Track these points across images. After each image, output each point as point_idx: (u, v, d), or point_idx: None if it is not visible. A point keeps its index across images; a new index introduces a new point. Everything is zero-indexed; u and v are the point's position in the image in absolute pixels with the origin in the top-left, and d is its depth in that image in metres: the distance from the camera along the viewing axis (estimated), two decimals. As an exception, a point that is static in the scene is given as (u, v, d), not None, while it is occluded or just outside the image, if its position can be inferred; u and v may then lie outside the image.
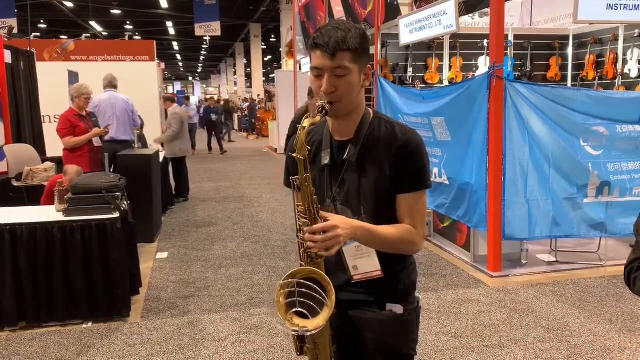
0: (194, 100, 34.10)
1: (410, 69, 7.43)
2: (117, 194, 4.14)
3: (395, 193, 1.61)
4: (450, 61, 7.53)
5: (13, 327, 3.85)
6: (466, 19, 7.92)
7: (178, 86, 53.18)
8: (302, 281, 1.43)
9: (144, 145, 8.14)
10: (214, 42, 32.13)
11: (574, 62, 7.69)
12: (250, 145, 19.75)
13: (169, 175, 8.36)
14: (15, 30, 11.70)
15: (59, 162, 6.12)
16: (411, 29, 6.24)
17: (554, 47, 7.69)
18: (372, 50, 7.05)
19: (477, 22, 8.68)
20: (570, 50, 7.70)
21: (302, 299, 1.43)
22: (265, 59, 37.19)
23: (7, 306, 3.79)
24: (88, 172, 5.12)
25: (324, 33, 1.50)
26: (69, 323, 3.95)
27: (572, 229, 4.93)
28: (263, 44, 31.29)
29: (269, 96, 23.31)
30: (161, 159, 7.52)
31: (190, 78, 64.49)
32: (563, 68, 7.77)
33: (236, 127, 26.63)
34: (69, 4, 21.44)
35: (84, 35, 15.14)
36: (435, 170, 5.59)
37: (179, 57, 44.05)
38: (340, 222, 1.46)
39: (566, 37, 7.70)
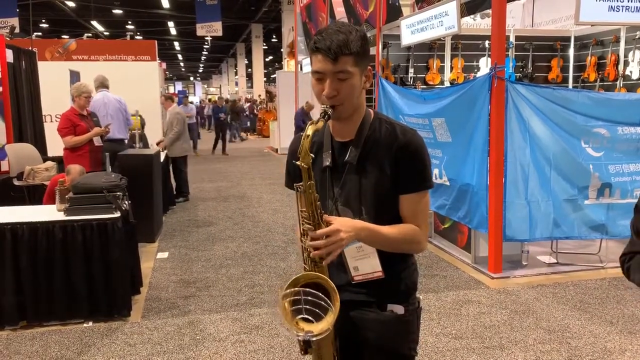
0: (194, 100, 34.12)
1: (411, 70, 7.43)
2: (118, 193, 4.15)
3: (397, 194, 1.61)
4: (451, 62, 7.53)
5: (14, 326, 3.85)
6: (468, 20, 7.93)
7: (179, 86, 53.23)
8: (308, 289, 1.45)
9: (145, 145, 8.15)
10: (215, 42, 32.14)
11: (575, 64, 7.69)
12: (251, 145, 19.76)
13: (169, 175, 8.37)
14: (17, 30, 11.72)
15: (60, 162, 6.13)
16: (413, 29, 6.25)
17: (556, 49, 7.69)
18: (373, 51, 7.06)
19: (479, 23, 8.69)
20: (571, 52, 7.70)
21: (307, 307, 1.45)
22: (267, 60, 37.20)
23: (7, 305, 3.80)
24: (89, 172, 5.13)
25: (325, 37, 1.50)
26: (70, 322, 3.95)
27: (572, 230, 4.93)
28: (264, 44, 31.32)
29: (270, 96, 23.32)
30: (162, 159, 7.53)
31: (192, 78, 64.53)
32: (564, 69, 7.77)
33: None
34: (71, 4, 21.47)
35: (86, 34, 15.16)
36: (435, 171, 5.59)
37: (180, 57, 44.07)
38: (342, 225, 1.47)
39: (567, 39, 7.70)
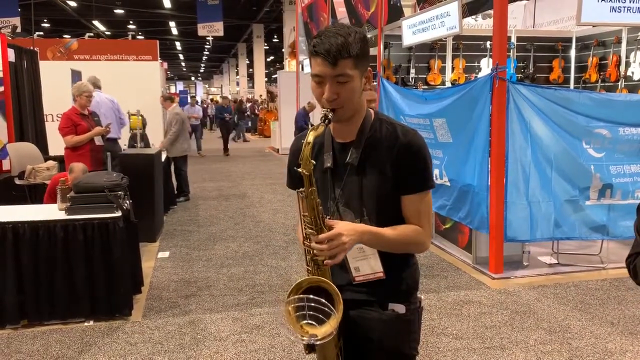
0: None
1: (412, 70, 7.43)
2: (120, 193, 4.15)
3: (398, 194, 1.61)
4: (452, 63, 7.53)
5: (15, 325, 3.86)
6: (469, 20, 7.92)
7: (180, 86, 53.24)
8: (311, 296, 1.46)
9: (147, 144, 8.15)
10: (217, 42, 32.17)
11: (577, 65, 7.69)
12: (252, 145, 19.77)
13: (170, 174, 8.37)
14: (18, 29, 11.72)
15: (61, 161, 6.13)
16: (414, 30, 6.25)
17: (557, 49, 7.69)
18: (374, 51, 7.06)
19: (480, 24, 8.69)
20: (573, 53, 7.70)
21: (311, 312, 1.47)
22: (268, 60, 37.21)
23: (9, 304, 3.80)
24: (90, 171, 5.13)
25: (324, 40, 1.48)
26: (71, 321, 3.95)
27: (573, 231, 4.93)
28: (265, 44, 31.32)
29: (271, 96, 23.32)
30: (163, 159, 7.53)
31: (193, 78, 64.56)
32: (566, 70, 7.77)
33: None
34: (72, 3, 21.49)
35: (87, 34, 15.19)
36: (436, 171, 5.59)
37: (181, 57, 44.10)
38: (345, 229, 1.48)
39: (569, 40, 7.70)
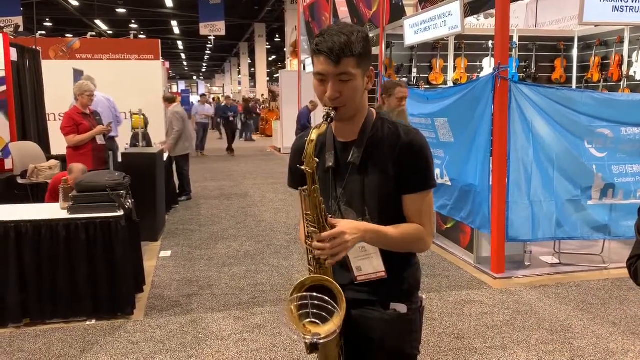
0: (197, 99, 34.08)
1: (414, 70, 7.43)
2: (122, 192, 4.16)
3: (400, 194, 1.61)
4: (454, 62, 7.53)
5: (17, 323, 3.87)
6: (471, 20, 7.92)
7: (182, 85, 53.27)
8: (314, 294, 1.46)
9: (148, 144, 8.16)
10: (219, 42, 32.17)
11: (579, 64, 7.68)
12: (254, 144, 19.78)
13: (172, 173, 8.38)
14: (21, 29, 11.73)
15: (63, 160, 6.14)
16: (416, 29, 6.24)
17: (559, 49, 7.69)
18: (376, 50, 7.06)
19: (482, 24, 8.69)
20: (575, 52, 7.69)
21: (315, 311, 1.46)
22: (270, 59, 37.21)
23: (11, 303, 3.81)
24: (92, 170, 5.14)
25: (326, 38, 1.49)
26: (73, 320, 3.96)
27: (575, 231, 4.92)
28: (267, 43, 31.32)
29: (273, 96, 23.33)
30: (165, 158, 7.54)
31: (195, 77, 64.60)
32: (568, 70, 7.77)
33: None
34: (75, 3, 21.51)
35: (89, 33, 15.21)
36: (437, 171, 5.59)
37: (183, 56, 44.12)
38: (347, 227, 1.48)
39: (571, 39, 7.69)
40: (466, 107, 5.07)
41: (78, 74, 8.93)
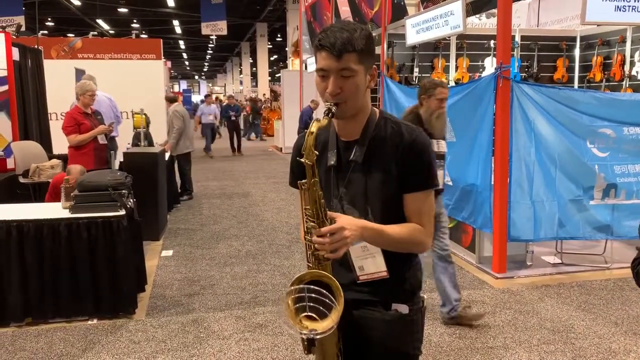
0: (198, 98, 34.09)
1: (416, 70, 7.42)
2: (124, 191, 4.16)
3: (402, 193, 1.61)
4: (456, 62, 7.52)
5: (19, 322, 3.88)
6: (473, 19, 7.92)
7: (184, 85, 53.32)
8: (312, 287, 1.44)
9: (150, 143, 8.16)
10: (220, 41, 32.20)
11: (581, 64, 7.67)
12: (256, 144, 19.78)
13: (174, 173, 8.39)
14: (23, 28, 11.75)
15: (65, 159, 6.14)
16: (418, 29, 6.24)
17: (561, 49, 7.67)
18: (378, 50, 7.05)
19: (484, 23, 8.68)
20: (577, 52, 7.68)
21: (311, 304, 1.44)
22: (271, 59, 37.23)
23: (13, 302, 3.82)
24: (94, 170, 5.14)
25: (329, 34, 1.49)
26: (75, 319, 3.97)
27: (577, 231, 4.92)
28: (269, 43, 31.34)
29: (275, 96, 23.33)
30: (167, 157, 7.55)
31: (197, 77, 64.66)
32: (570, 70, 7.75)
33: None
34: (77, 2, 21.54)
35: (91, 33, 15.21)
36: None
37: (185, 55, 44.15)
38: (347, 223, 1.46)
39: (573, 39, 7.68)
40: (468, 106, 5.06)
41: (80, 74, 8.94)
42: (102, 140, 5.84)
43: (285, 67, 23.78)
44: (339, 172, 1.63)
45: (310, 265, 1.54)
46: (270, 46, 33.08)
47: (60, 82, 8.60)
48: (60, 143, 6.63)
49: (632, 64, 6.61)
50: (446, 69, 7.54)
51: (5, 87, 6.30)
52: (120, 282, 4.00)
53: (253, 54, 34.02)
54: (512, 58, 6.44)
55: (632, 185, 4.95)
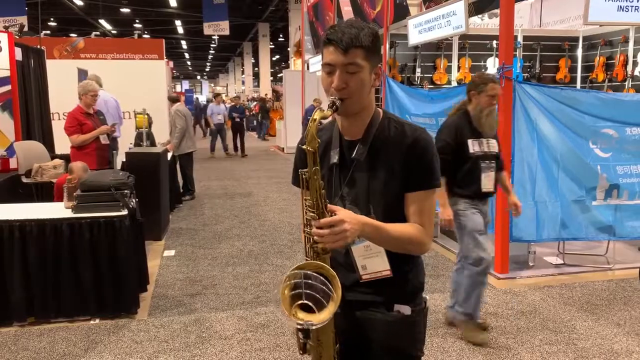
0: (201, 99, 34.10)
1: (418, 70, 7.42)
2: (126, 191, 4.16)
3: (404, 192, 1.60)
4: (459, 62, 7.52)
5: (22, 322, 3.88)
6: (475, 19, 7.91)
7: (186, 85, 53.35)
8: (309, 272, 1.41)
9: (152, 143, 8.18)
10: (223, 41, 32.21)
11: (584, 64, 7.66)
12: (258, 144, 19.79)
13: (176, 173, 8.39)
14: (25, 28, 11.78)
15: (67, 159, 6.15)
16: (420, 29, 6.24)
17: (564, 49, 7.66)
18: (380, 50, 7.05)
19: (487, 23, 8.67)
20: (579, 52, 7.67)
21: (308, 291, 1.40)
22: (273, 59, 37.23)
23: (16, 301, 3.82)
24: (95, 169, 5.15)
25: (337, 29, 1.51)
26: (77, 319, 3.97)
27: (580, 231, 4.91)
28: (271, 43, 31.34)
29: (277, 96, 23.33)
30: (169, 157, 7.56)
31: (199, 77, 64.70)
32: (572, 70, 7.74)
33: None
34: (79, 2, 21.58)
35: (94, 33, 15.22)
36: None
37: (187, 55, 44.19)
38: (347, 216, 1.44)
39: (576, 39, 7.67)
40: (470, 107, 5.05)
41: (82, 74, 8.95)
42: (104, 140, 5.85)
43: (287, 67, 23.76)
44: (341, 171, 1.63)
45: (308, 259, 1.53)
46: (273, 46, 33.09)
47: (62, 82, 8.62)
48: (63, 143, 6.64)
49: (635, 64, 6.61)
50: (448, 69, 7.54)
51: (8, 87, 6.32)
52: (123, 282, 4.00)
53: (255, 54, 34.04)
54: (515, 58, 6.43)
55: (634, 186, 4.94)
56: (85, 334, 3.78)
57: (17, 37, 6.92)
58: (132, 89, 9.26)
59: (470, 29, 5.78)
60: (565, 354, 3.45)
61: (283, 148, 16.25)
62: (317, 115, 1.46)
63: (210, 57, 45.21)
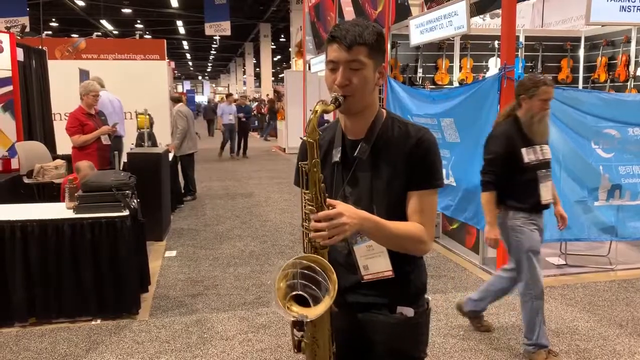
0: (202, 99, 34.12)
1: (420, 70, 7.41)
2: (127, 192, 4.16)
3: (407, 191, 1.59)
4: (460, 62, 7.50)
5: (23, 322, 3.88)
6: (477, 20, 7.89)
7: (187, 85, 53.40)
8: (304, 262, 1.40)
9: (154, 143, 8.18)
10: (224, 42, 32.24)
11: (586, 64, 7.64)
12: (259, 145, 19.79)
13: (178, 173, 8.40)
14: (27, 29, 11.78)
15: (69, 160, 6.16)
16: (422, 29, 6.23)
17: (566, 49, 7.64)
18: (382, 50, 7.03)
19: (488, 23, 8.66)
20: (581, 52, 7.65)
21: (303, 281, 1.38)
22: (275, 59, 37.24)
23: (17, 302, 3.82)
24: (97, 170, 5.14)
25: (341, 27, 1.51)
26: (78, 320, 3.97)
27: (582, 232, 4.89)
28: (272, 43, 31.38)
29: (278, 96, 23.33)
30: (170, 158, 7.56)
31: (200, 77, 64.76)
32: (574, 70, 7.72)
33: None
34: (81, 3, 21.61)
35: (95, 33, 15.24)
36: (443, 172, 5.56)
37: (188, 56, 44.24)
38: (347, 210, 1.41)
39: (578, 39, 7.65)
40: (472, 107, 5.05)
41: (84, 74, 8.97)
42: (105, 140, 5.86)
43: (289, 67, 23.77)
44: (343, 169, 1.62)
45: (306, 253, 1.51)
46: (274, 46, 33.12)
47: (64, 82, 8.64)
48: (64, 143, 6.65)
49: (637, 64, 6.58)
50: (450, 70, 7.52)
51: (10, 88, 6.33)
52: (124, 282, 4.00)
53: (256, 54, 34.07)
54: (516, 58, 6.41)
55: (637, 186, 4.93)
56: (87, 334, 3.78)
57: (18, 37, 6.92)
58: (134, 89, 9.27)
59: (472, 29, 5.77)
60: (567, 355, 3.44)
61: (284, 149, 16.24)
62: (318, 107, 1.46)
63: (211, 57, 45.27)
